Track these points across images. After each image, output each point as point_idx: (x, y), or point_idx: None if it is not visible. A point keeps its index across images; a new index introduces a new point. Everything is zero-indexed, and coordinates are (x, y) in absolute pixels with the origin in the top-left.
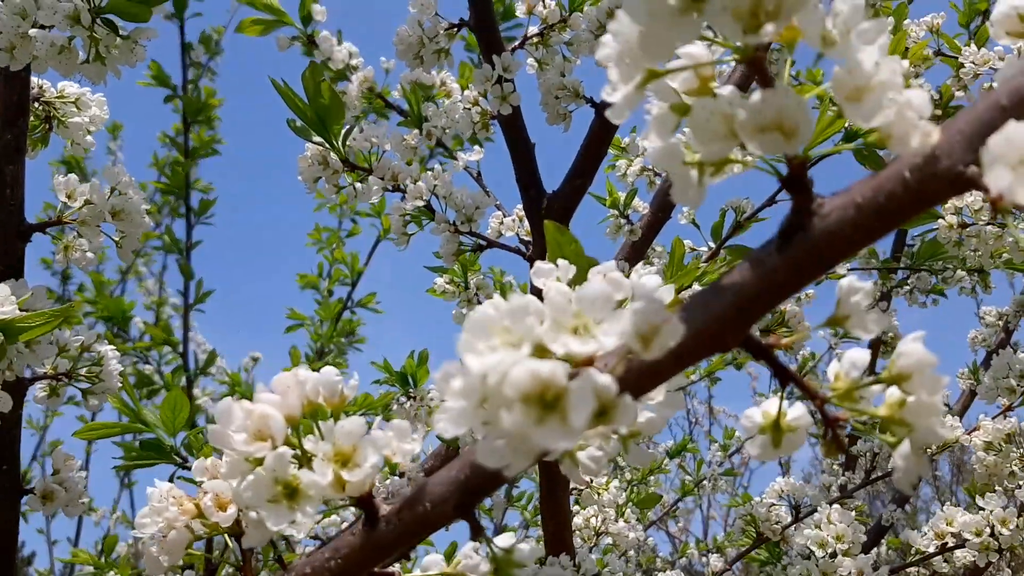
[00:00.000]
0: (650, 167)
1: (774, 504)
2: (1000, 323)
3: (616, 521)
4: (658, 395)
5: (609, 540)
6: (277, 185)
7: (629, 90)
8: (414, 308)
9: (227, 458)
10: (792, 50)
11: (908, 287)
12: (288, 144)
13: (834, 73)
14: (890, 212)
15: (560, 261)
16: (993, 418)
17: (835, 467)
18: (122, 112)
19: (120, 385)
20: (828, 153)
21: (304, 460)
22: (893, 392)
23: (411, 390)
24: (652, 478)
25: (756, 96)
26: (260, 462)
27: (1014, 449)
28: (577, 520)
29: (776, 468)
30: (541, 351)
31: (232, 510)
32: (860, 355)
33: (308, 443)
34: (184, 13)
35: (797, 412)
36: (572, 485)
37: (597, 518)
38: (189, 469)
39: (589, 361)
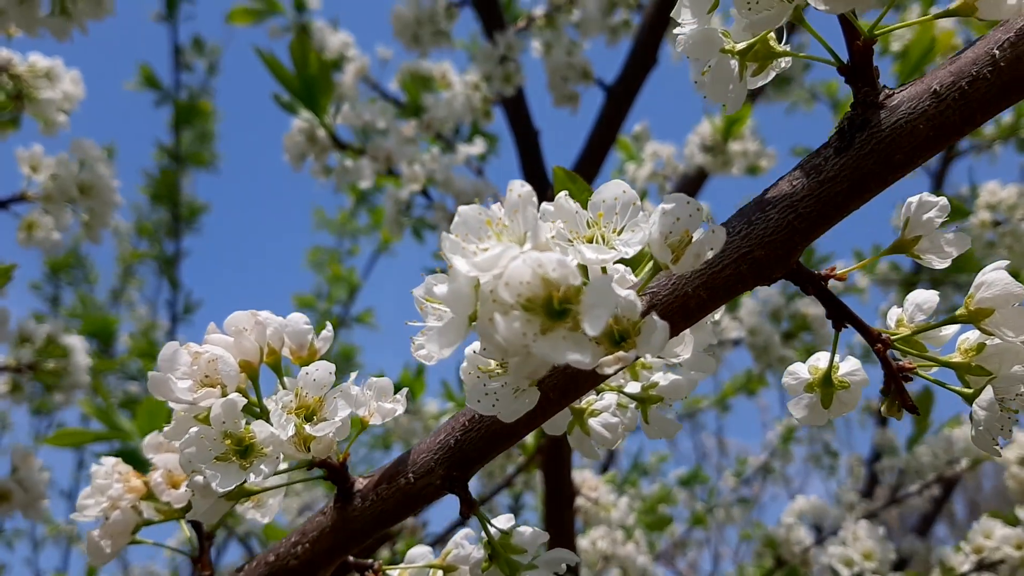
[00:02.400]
0: (660, 171)
1: (793, 524)
2: None
3: (624, 544)
4: (685, 351)
5: (616, 571)
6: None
7: None
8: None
9: (174, 412)
10: None
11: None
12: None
13: None
14: (976, 102)
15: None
16: None
17: (853, 494)
18: (116, 130)
19: (89, 380)
20: (903, 25)
21: (263, 416)
22: (968, 336)
23: (408, 404)
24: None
25: None
26: (204, 418)
27: None
28: (583, 543)
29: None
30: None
31: (185, 488)
32: (927, 296)
33: (267, 402)
34: (176, 13)
35: (851, 366)
36: (575, 504)
37: (605, 540)
38: None
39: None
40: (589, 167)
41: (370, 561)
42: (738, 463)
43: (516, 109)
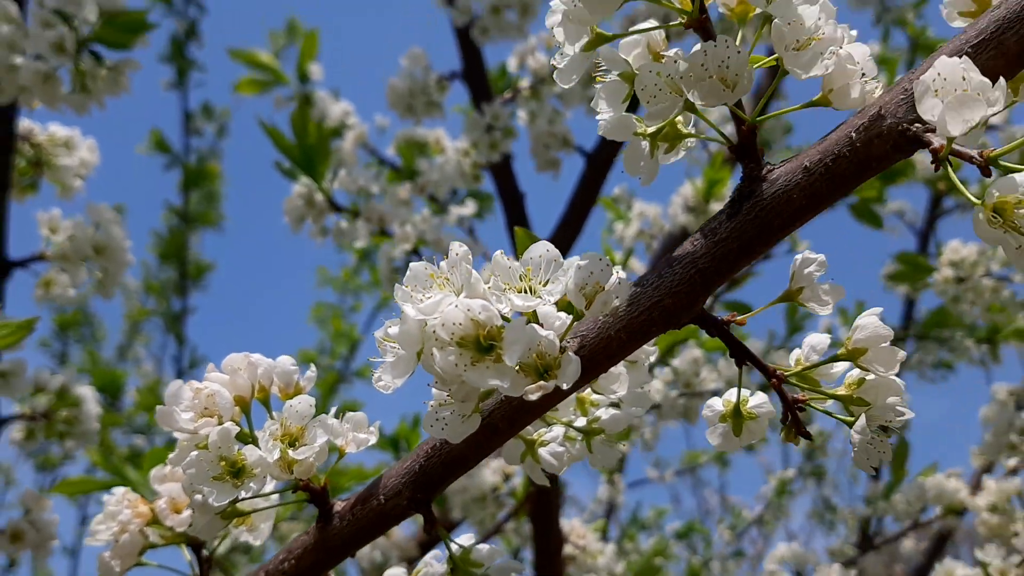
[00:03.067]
0: (647, 230)
1: (775, 571)
2: (1012, 400)
3: None
4: (621, 388)
5: None
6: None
7: (576, 51)
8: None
9: (178, 440)
10: (744, 24)
11: (915, 359)
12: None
13: (774, 25)
14: (838, 175)
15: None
16: (997, 480)
17: (849, 547)
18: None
19: (99, 428)
20: (779, 114)
21: (253, 443)
22: (853, 372)
23: (403, 455)
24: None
25: (698, 47)
26: (204, 445)
27: (1018, 509)
28: None
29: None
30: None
31: (187, 513)
32: (820, 339)
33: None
34: (186, 81)
35: (759, 400)
36: (564, 552)
37: None
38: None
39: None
40: (571, 227)
41: None
42: (734, 516)
43: (503, 174)
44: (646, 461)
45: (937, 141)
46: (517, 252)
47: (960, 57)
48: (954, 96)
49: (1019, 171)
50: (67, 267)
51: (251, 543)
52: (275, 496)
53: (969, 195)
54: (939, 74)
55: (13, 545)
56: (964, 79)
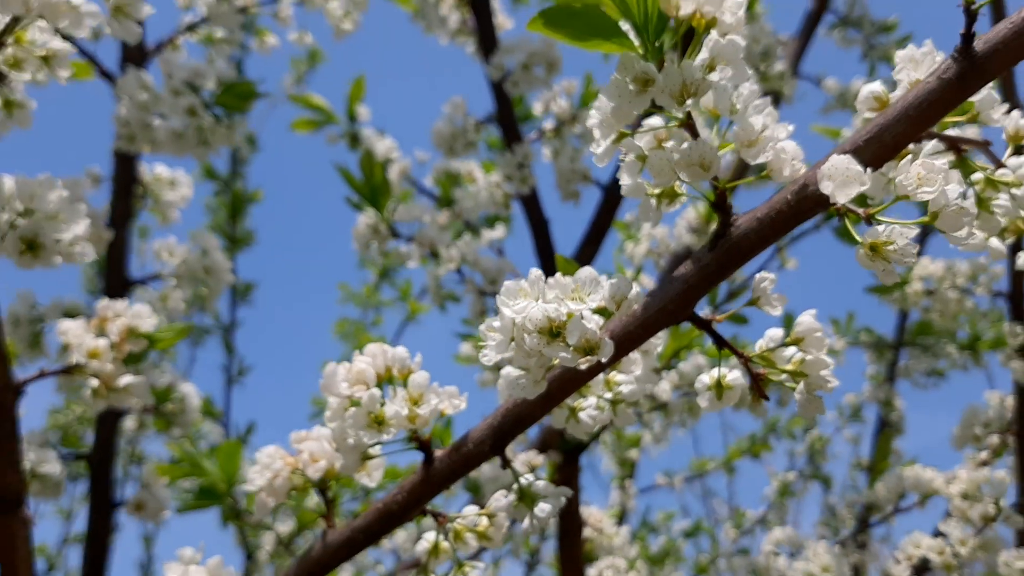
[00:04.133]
0: (655, 249)
1: (773, 552)
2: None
3: (627, 573)
4: (637, 368)
5: None
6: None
7: (607, 144)
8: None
9: (331, 403)
10: (717, 120)
11: (903, 368)
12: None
13: (734, 131)
14: (779, 222)
15: (566, 277)
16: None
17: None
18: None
19: (199, 418)
20: (741, 183)
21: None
22: (797, 354)
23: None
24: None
25: (685, 145)
26: (356, 403)
27: (988, 497)
28: (591, 572)
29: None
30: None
31: (322, 463)
32: (776, 332)
33: (387, 397)
34: None
35: (734, 375)
36: (583, 535)
37: (610, 570)
38: (239, 512)
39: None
40: (591, 247)
41: (440, 511)
42: (737, 516)
43: (531, 203)
44: (656, 467)
45: (840, 201)
46: (561, 273)
47: (846, 154)
48: (840, 179)
49: (884, 222)
50: (181, 285)
51: (368, 485)
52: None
53: (856, 236)
54: (833, 165)
55: (137, 512)
56: (848, 168)
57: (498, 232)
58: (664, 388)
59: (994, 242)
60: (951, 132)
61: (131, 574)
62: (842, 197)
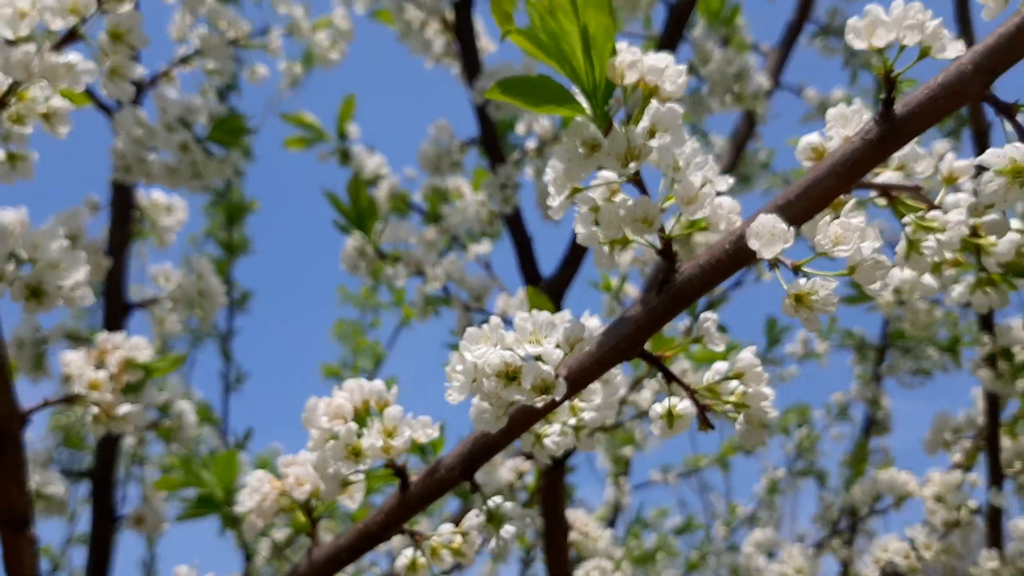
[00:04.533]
0: (640, 256)
1: (751, 554)
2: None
3: (613, 573)
4: (597, 398)
5: None
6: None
7: (562, 199)
8: (435, 389)
9: (313, 434)
10: (666, 176)
11: (886, 368)
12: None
13: (674, 189)
14: (719, 270)
15: (535, 312)
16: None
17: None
18: None
19: (196, 434)
20: (681, 235)
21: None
22: (739, 387)
23: (429, 458)
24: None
25: (630, 202)
26: (335, 436)
27: (961, 500)
28: (578, 573)
29: None
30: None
31: (307, 487)
32: (721, 366)
33: (365, 429)
34: None
35: (684, 405)
36: (570, 537)
37: (596, 570)
38: (237, 519)
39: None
40: (573, 262)
41: (418, 529)
42: (729, 513)
43: (514, 222)
44: (652, 463)
45: (766, 257)
46: (530, 305)
47: (772, 213)
48: (767, 237)
49: (810, 274)
50: (176, 308)
51: (349, 508)
52: (373, 472)
53: (785, 287)
54: (761, 223)
55: (137, 526)
56: (774, 227)
57: (484, 247)
58: (645, 397)
59: (926, 279)
60: (883, 178)
61: (135, 573)
62: (768, 254)
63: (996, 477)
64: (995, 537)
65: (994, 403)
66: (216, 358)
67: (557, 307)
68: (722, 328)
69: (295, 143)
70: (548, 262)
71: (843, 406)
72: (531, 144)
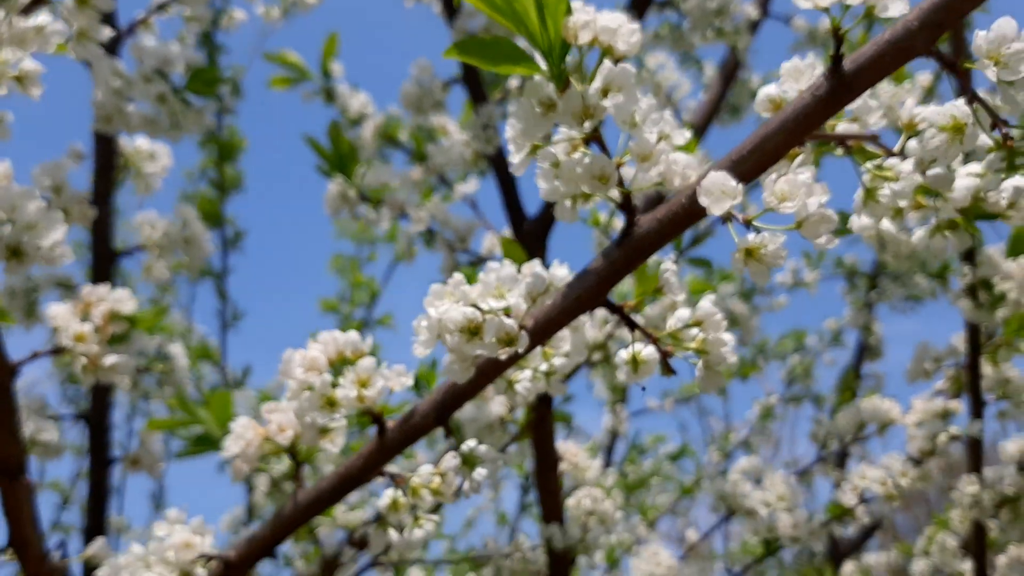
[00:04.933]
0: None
1: (738, 480)
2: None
3: (603, 501)
4: (566, 345)
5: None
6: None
7: (523, 155)
8: None
9: (290, 384)
10: (624, 130)
11: (879, 294)
12: (305, 181)
13: (630, 145)
14: (675, 222)
15: (505, 265)
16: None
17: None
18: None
19: (188, 377)
20: (642, 188)
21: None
22: (699, 333)
23: (425, 393)
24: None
25: (587, 159)
26: (311, 387)
27: (938, 429)
28: (570, 502)
29: None
30: (475, 307)
31: (289, 432)
32: (683, 313)
33: (340, 379)
34: (216, 62)
35: (648, 351)
36: (560, 468)
37: (587, 498)
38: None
39: (507, 313)
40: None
41: (395, 471)
42: (722, 438)
43: (498, 161)
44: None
45: (715, 214)
46: (504, 255)
47: (723, 170)
48: (716, 194)
49: (760, 228)
50: (163, 255)
51: (331, 450)
52: (351, 419)
53: (737, 241)
54: (711, 181)
55: (134, 467)
56: (723, 184)
57: (471, 186)
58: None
59: (885, 224)
60: (840, 128)
61: (144, 504)
62: (717, 210)
63: (976, 405)
64: (975, 463)
65: (975, 332)
66: (214, 297)
67: (543, 245)
68: (706, 262)
69: (280, 82)
70: (536, 198)
71: (836, 332)
72: (514, 83)
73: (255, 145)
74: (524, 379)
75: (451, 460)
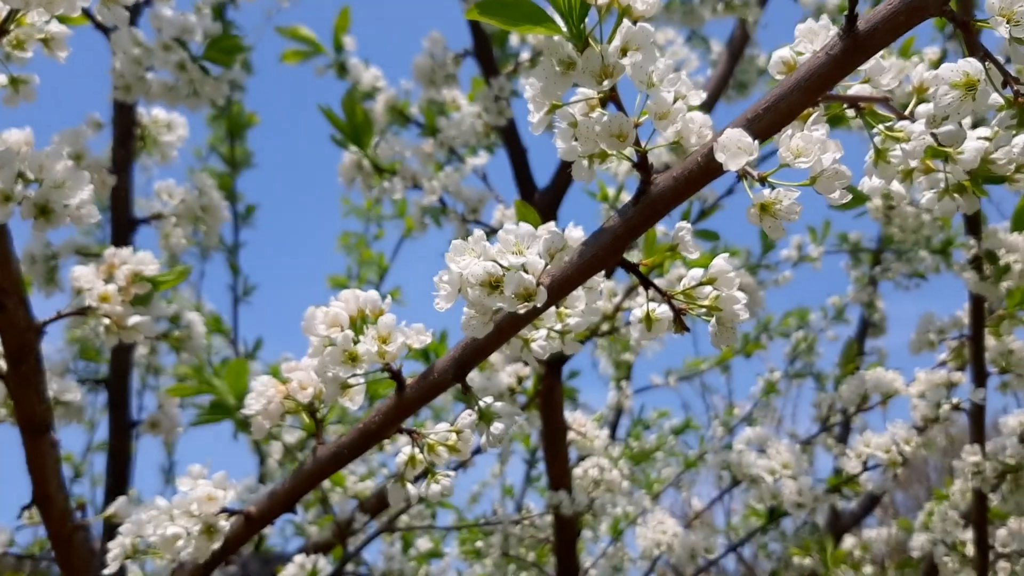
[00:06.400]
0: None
1: (743, 450)
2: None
3: (611, 471)
4: (580, 304)
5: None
6: (305, 196)
7: (542, 115)
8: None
9: (312, 341)
10: (641, 92)
11: (883, 271)
12: (315, 157)
13: (647, 105)
14: (691, 180)
15: (522, 223)
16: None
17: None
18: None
19: (205, 343)
20: (658, 147)
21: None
22: (712, 291)
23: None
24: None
25: (605, 117)
26: (333, 343)
27: (940, 397)
28: (577, 471)
29: None
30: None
31: (310, 390)
32: (696, 272)
33: (361, 336)
34: None
35: (661, 309)
36: (568, 437)
37: (594, 468)
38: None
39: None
40: (567, 173)
41: (412, 428)
42: (725, 413)
43: (509, 134)
44: (653, 369)
45: (731, 170)
46: (518, 217)
47: (739, 128)
48: (732, 151)
49: (774, 184)
50: (181, 223)
51: (350, 408)
52: (372, 375)
53: (752, 196)
54: (727, 137)
55: (152, 431)
56: (740, 141)
57: (481, 159)
58: (641, 301)
59: (895, 185)
60: (853, 90)
61: (154, 477)
62: (733, 166)
63: (979, 376)
64: (978, 433)
65: (979, 304)
66: (226, 271)
67: (553, 217)
68: (714, 234)
69: (292, 56)
70: (546, 172)
71: (840, 309)
72: (525, 55)
73: (264, 122)
74: (540, 338)
75: (467, 417)
